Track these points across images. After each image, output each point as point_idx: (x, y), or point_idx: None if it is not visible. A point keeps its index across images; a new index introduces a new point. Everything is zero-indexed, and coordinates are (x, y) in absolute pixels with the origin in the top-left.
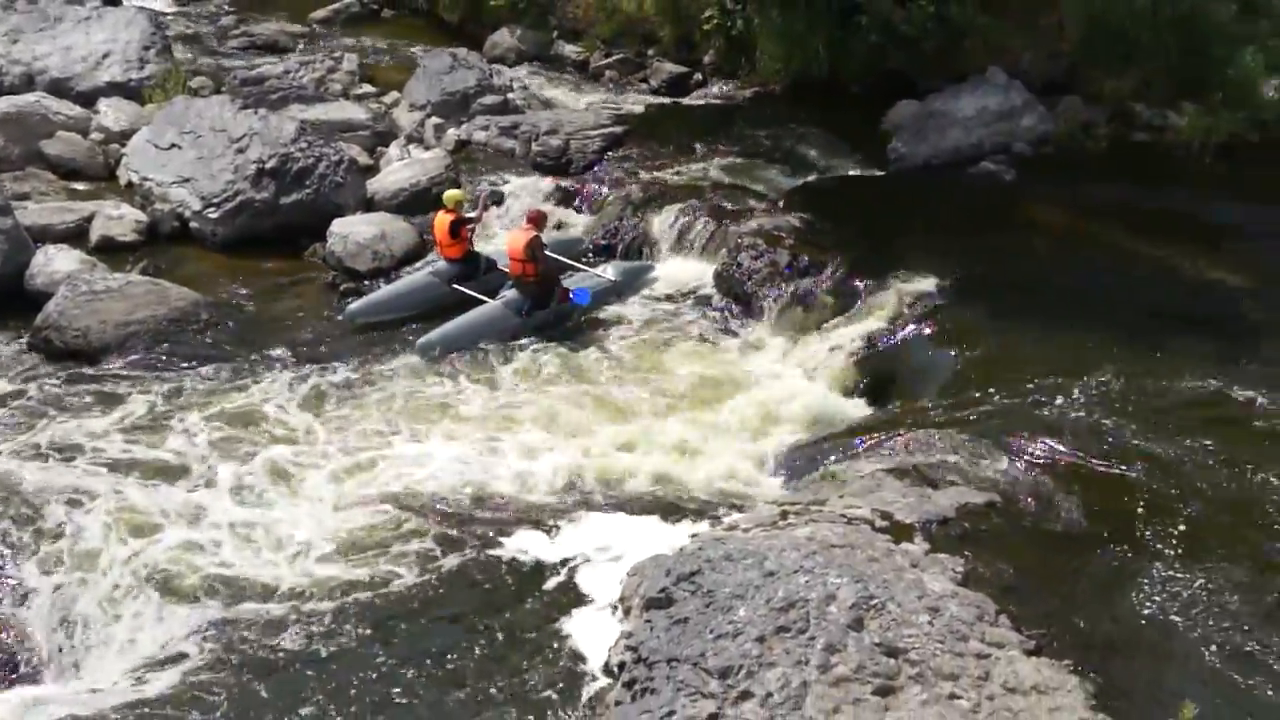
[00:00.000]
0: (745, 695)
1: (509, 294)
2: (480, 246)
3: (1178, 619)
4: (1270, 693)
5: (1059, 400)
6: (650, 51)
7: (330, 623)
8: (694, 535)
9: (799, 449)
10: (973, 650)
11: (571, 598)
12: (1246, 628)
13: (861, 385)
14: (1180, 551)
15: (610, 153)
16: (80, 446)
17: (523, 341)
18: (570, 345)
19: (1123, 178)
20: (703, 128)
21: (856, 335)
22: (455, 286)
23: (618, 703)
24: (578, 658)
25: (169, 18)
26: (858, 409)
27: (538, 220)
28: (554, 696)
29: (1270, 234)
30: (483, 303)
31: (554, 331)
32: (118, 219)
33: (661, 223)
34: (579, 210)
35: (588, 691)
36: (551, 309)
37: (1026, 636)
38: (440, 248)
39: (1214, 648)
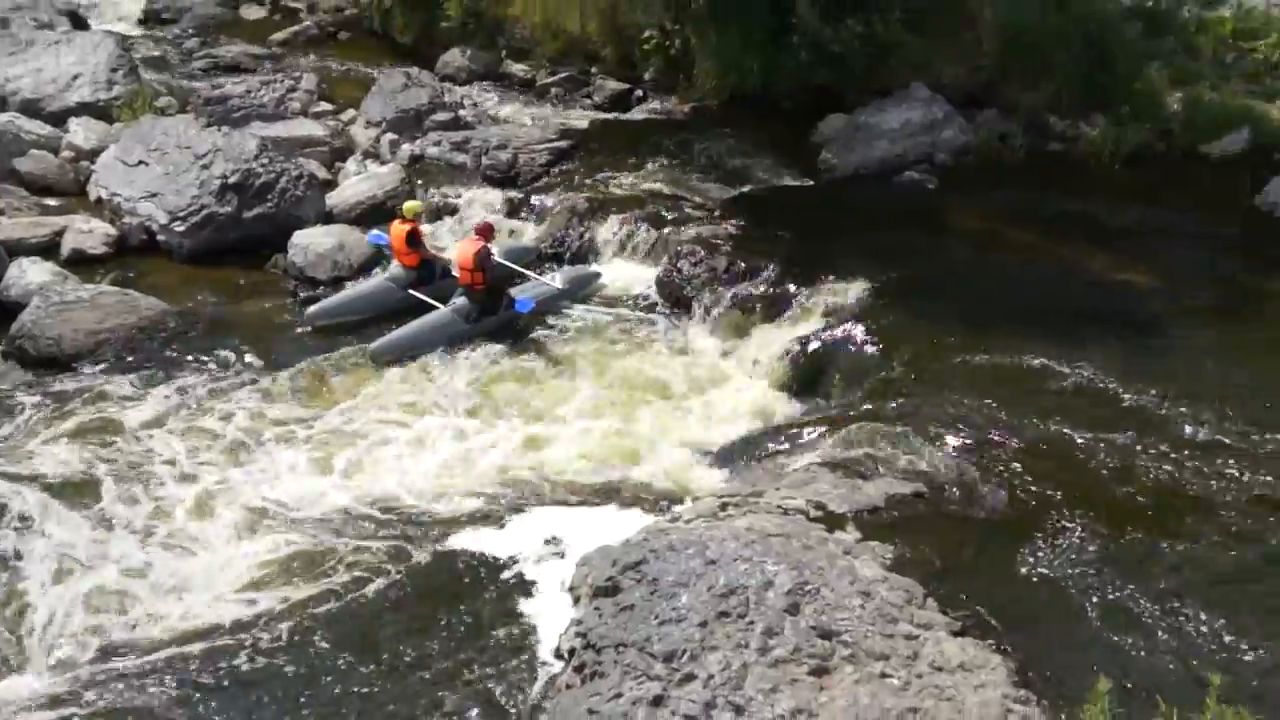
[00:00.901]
0: (689, 677)
1: (459, 301)
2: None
3: (1093, 598)
4: (1175, 664)
5: (980, 394)
6: (593, 70)
7: (290, 621)
8: (639, 527)
9: (738, 444)
10: (902, 632)
11: (524, 588)
12: (1155, 604)
13: (796, 383)
14: (1093, 535)
15: (557, 166)
16: (37, 451)
17: (472, 346)
18: (518, 349)
19: (1038, 185)
20: (644, 141)
21: (791, 336)
22: (411, 292)
23: (568, 686)
24: (531, 644)
25: (135, 40)
26: (792, 405)
27: (485, 232)
28: (509, 681)
29: (1173, 236)
30: (435, 308)
31: (502, 336)
32: (88, 233)
33: (606, 231)
34: (528, 220)
35: (541, 676)
36: (499, 315)
37: (952, 618)
38: (397, 255)
39: (1125, 624)
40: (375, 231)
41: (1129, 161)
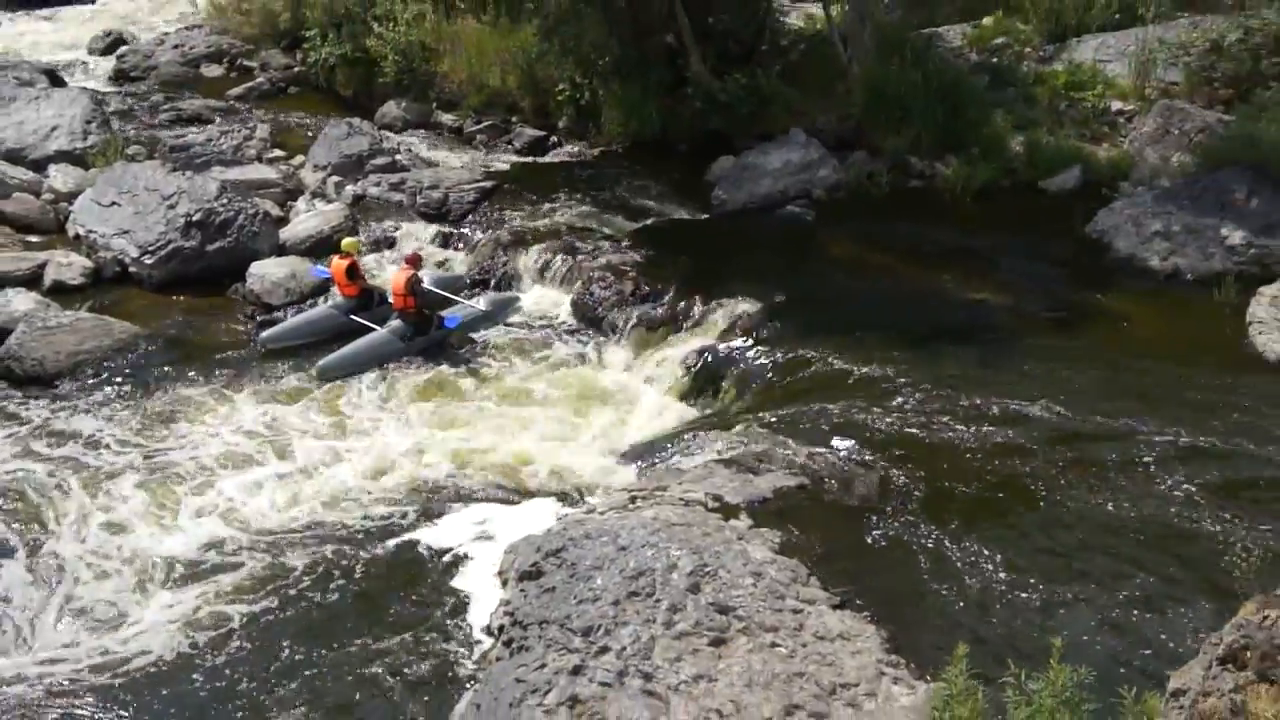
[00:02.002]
0: (604, 649)
1: (394, 323)
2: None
3: (952, 574)
4: (1022, 630)
5: (853, 398)
6: (513, 118)
7: (243, 608)
8: (559, 518)
9: (645, 444)
10: (789, 607)
11: (458, 575)
12: (1005, 578)
13: (694, 390)
14: (952, 518)
15: (483, 203)
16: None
17: (407, 363)
18: (449, 364)
19: (901, 216)
20: (559, 181)
21: (690, 349)
22: (352, 316)
23: (498, 658)
24: (465, 623)
25: (108, 96)
26: (692, 410)
27: (414, 261)
28: (447, 656)
29: (1017, 259)
30: (374, 330)
31: (434, 354)
32: (67, 265)
33: (527, 260)
34: (458, 251)
35: (475, 650)
36: (431, 335)
37: (832, 594)
38: (339, 286)
39: (980, 596)
40: (318, 266)
41: (979, 195)
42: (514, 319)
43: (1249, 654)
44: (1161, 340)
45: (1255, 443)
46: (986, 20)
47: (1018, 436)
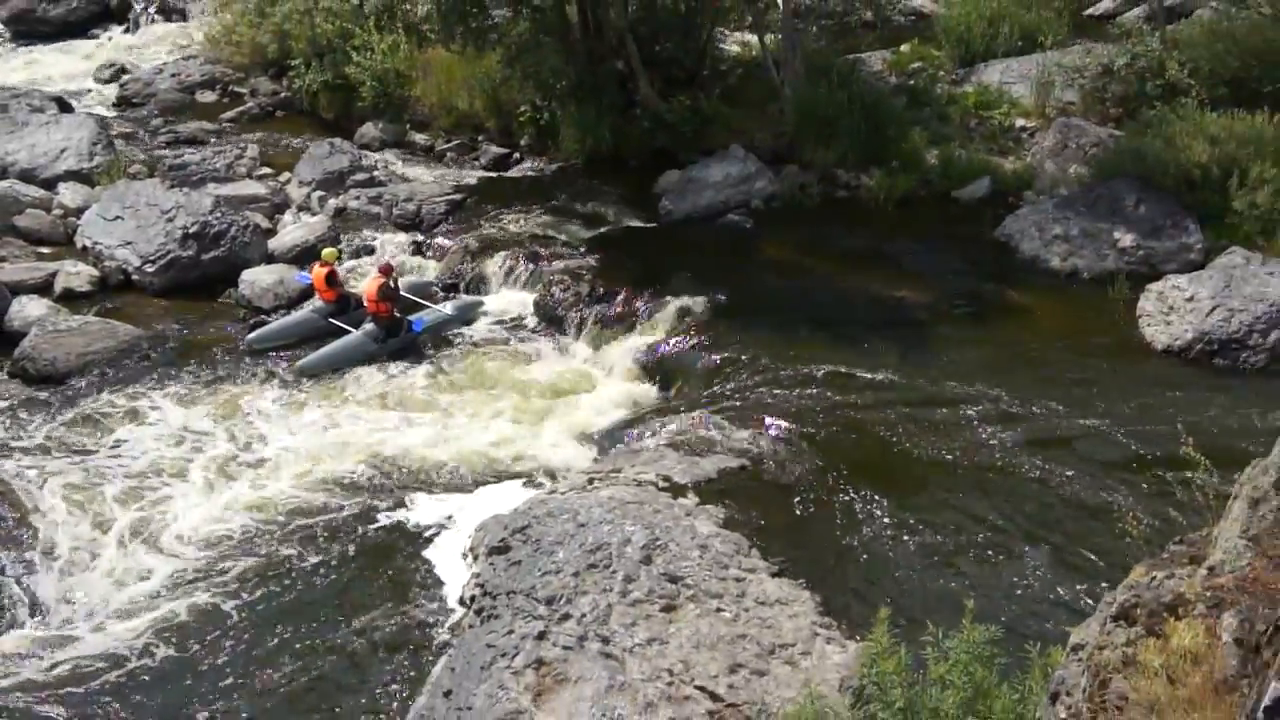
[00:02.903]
0: (565, 616)
1: (369, 326)
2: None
3: (879, 545)
4: (940, 593)
5: (789, 386)
6: (480, 138)
7: (234, 583)
8: (524, 499)
9: (601, 431)
10: (732, 575)
11: (433, 551)
12: (925, 547)
13: (646, 382)
14: (879, 494)
15: (453, 214)
16: (41, 446)
17: (381, 362)
18: (421, 362)
19: (830, 224)
20: (521, 194)
21: (643, 344)
22: (331, 320)
23: (470, 626)
24: (440, 595)
25: (112, 120)
26: (644, 400)
27: (386, 270)
28: (423, 624)
29: (934, 261)
30: (350, 332)
31: (406, 353)
32: (76, 274)
33: (493, 265)
34: (430, 258)
35: (448, 620)
36: (401, 336)
37: (771, 563)
38: (319, 292)
39: (903, 565)
40: (302, 272)
41: (899, 204)
42: (482, 319)
43: (1139, 611)
44: (1062, 332)
45: (1146, 422)
46: (904, 47)
47: (935, 419)
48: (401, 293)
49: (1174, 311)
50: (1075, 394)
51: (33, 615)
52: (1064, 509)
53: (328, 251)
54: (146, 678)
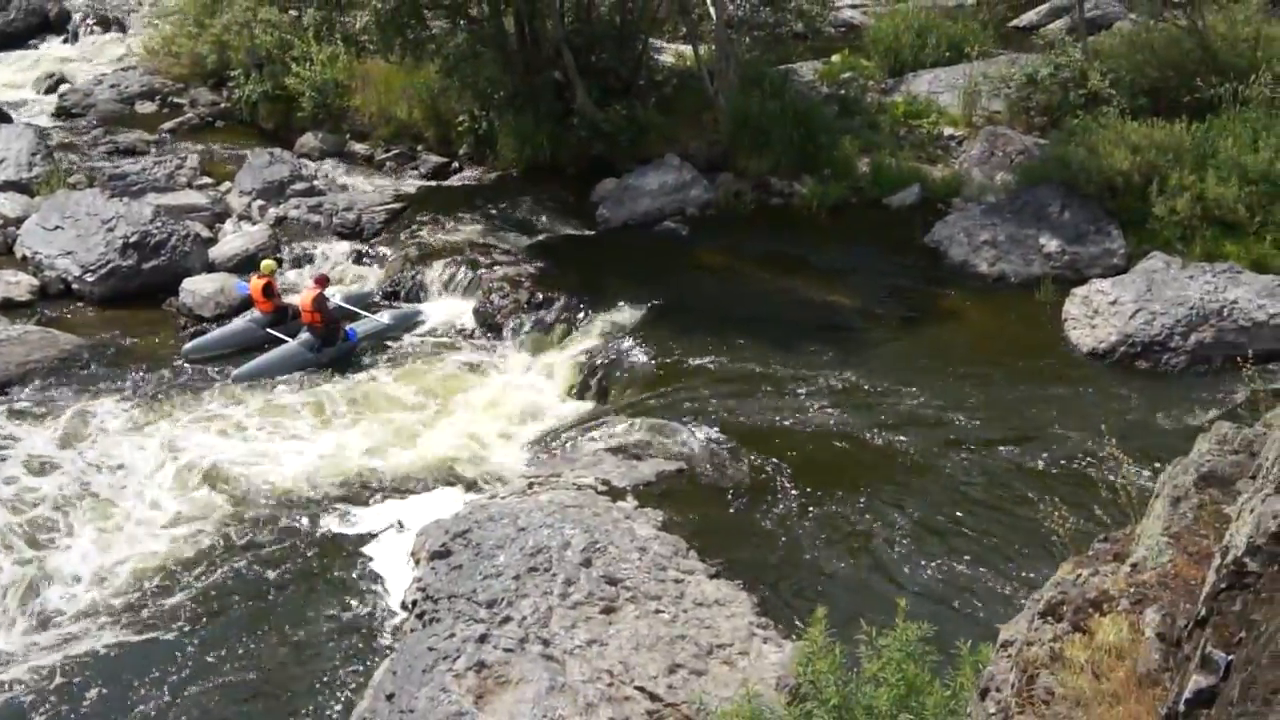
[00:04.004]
0: (506, 619)
1: (305, 336)
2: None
3: (813, 546)
4: (873, 593)
5: (725, 390)
6: (419, 147)
7: (179, 597)
8: (465, 504)
9: (540, 436)
10: (671, 577)
11: (375, 557)
12: (858, 547)
13: (585, 387)
14: (813, 495)
15: (392, 223)
16: None
17: (316, 371)
18: (358, 371)
19: (764, 230)
20: (460, 203)
21: (581, 350)
22: (268, 330)
23: (412, 629)
24: (382, 599)
25: (51, 130)
26: (583, 405)
27: (322, 281)
28: (366, 628)
29: (865, 265)
30: (286, 342)
31: (342, 363)
32: (15, 284)
33: (433, 273)
34: (371, 266)
35: (390, 624)
36: (337, 346)
37: (709, 565)
38: (256, 303)
39: (837, 565)
40: (241, 282)
41: (831, 211)
42: (421, 327)
43: (1065, 608)
44: (990, 335)
45: (1072, 423)
46: (835, 57)
47: (868, 421)
48: (337, 303)
49: (1098, 315)
50: (1003, 396)
51: None
52: (992, 509)
53: (266, 263)
54: (81, 688)
